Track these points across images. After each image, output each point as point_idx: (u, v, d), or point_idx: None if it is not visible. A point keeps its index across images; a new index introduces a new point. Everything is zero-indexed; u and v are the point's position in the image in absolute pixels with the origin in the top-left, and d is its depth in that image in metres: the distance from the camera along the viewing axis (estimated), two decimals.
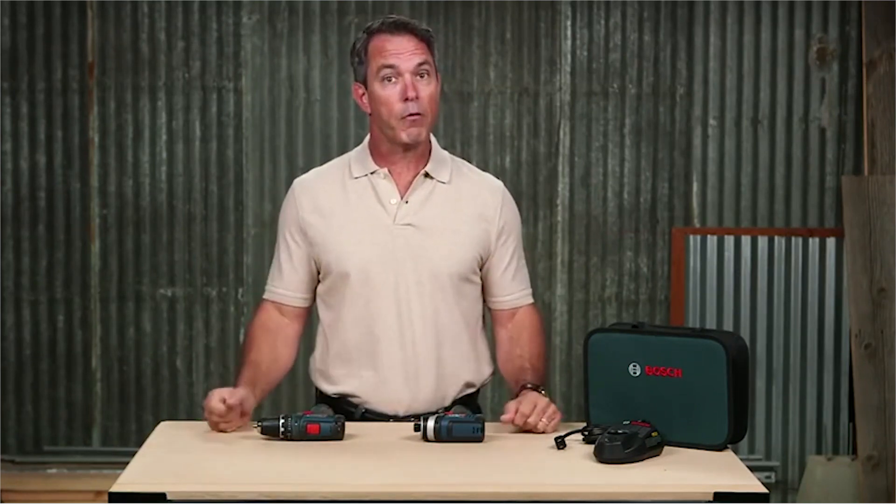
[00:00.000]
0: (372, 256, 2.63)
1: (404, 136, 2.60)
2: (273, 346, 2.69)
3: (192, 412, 4.70)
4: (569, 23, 4.70)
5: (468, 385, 2.72)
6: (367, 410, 2.66)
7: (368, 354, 2.65)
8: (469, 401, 2.73)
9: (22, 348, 4.74)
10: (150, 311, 4.74)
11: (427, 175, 2.67)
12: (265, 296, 2.75)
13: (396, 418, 2.65)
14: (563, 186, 4.73)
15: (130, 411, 4.76)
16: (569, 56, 4.71)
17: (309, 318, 2.76)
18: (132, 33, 4.68)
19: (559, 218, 4.73)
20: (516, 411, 2.50)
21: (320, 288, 2.71)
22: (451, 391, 2.69)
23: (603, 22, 4.70)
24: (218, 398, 2.50)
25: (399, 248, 2.63)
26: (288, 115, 4.71)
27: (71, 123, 4.70)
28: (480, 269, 2.71)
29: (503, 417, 2.52)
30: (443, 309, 2.65)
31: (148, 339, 4.74)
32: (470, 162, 4.78)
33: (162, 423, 2.65)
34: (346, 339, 2.66)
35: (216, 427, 2.51)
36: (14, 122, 4.69)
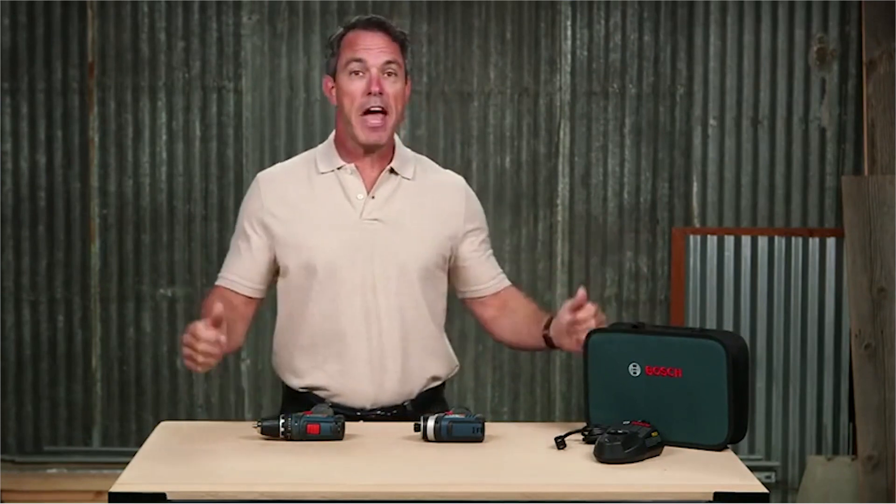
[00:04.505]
0: (339, 251, 2.65)
1: (362, 136, 2.64)
2: (231, 315, 2.57)
3: (192, 412, 4.71)
4: (569, 23, 4.70)
5: (434, 378, 2.74)
6: (333, 405, 2.65)
7: (334, 348, 2.67)
8: (436, 394, 2.75)
9: (22, 348, 4.74)
10: (150, 311, 4.74)
11: (392, 171, 2.70)
12: (218, 282, 2.73)
13: (364, 411, 2.67)
14: (563, 186, 4.73)
15: (130, 411, 4.76)
16: (569, 56, 4.71)
17: (258, 312, 2.75)
18: (132, 33, 4.68)
19: (559, 218, 4.73)
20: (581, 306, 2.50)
21: (282, 282, 2.72)
22: (417, 384, 2.71)
23: (603, 22, 4.70)
24: (202, 327, 2.39)
25: (366, 243, 2.65)
26: (288, 115, 4.71)
27: (71, 123, 4.70)
28: (448, 264, 2.75)
29: (580, 316, 2.49)
30: (409, 303, 2.68)
31: (148, 339, 4.74)
32: (470, 162, 4.80)
33: (162, 423, 2.65)
34: (312, 332, 2.68)
35: (204, 357, 2.39)
36: (14, 122, 4.69)
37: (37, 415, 4.75)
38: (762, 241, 4.72)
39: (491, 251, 2.83)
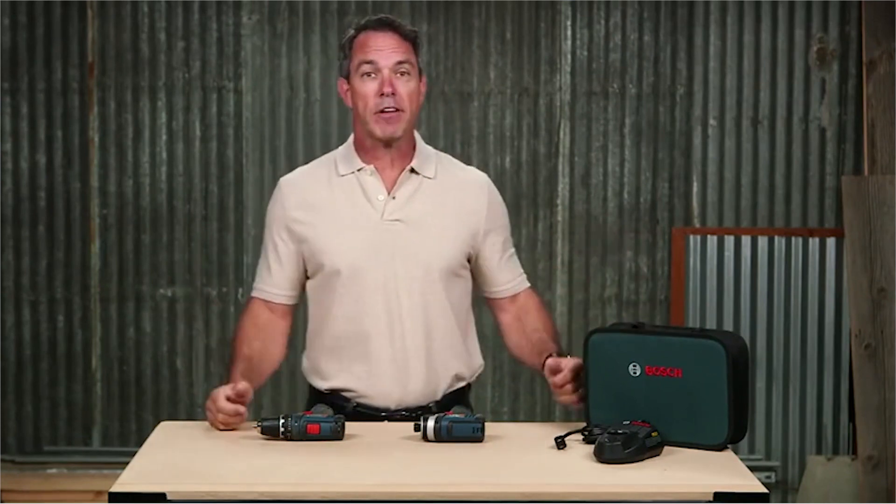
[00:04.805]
0: (361, 253, 2.65)
1: (378, 131, 2.64)
2: (264, 341, 2.73)
3: (192, 412, 4.70)
4: (569, 23, 4.70)
5: (458, 378, 2.74)
6: (358, 405, 2.68)
7: (359, 350, 2.68)
8: (461, 396, 2.75)
9: (22, 348, 4.74)
10: (150, 311, 4.74)
11: (413, 171, 2.70)
12: (253, 294, 2.78)
13: (388, 411, 2.67)
14: (563, 186, 4.73)
15: (130, 411, 4.75)
16: (569, 56, 4.71)
17: (297, 315, 2.79)
18: (132, 33, 4.68)
19: (559, 218, 4.73)
20: (559, 370, 2.53)
21: (309, 284, 2.74)
22: (442, 384, 2.71)
23: (603, 22, 4.70)
24: (224, 397, 2.51)
25: (387, 244, 2.66)
26: (288, 115, 4.71)
27: (71, 123, 4.70)
28: (470, 262, 2.75)
29: (548, 362, 2.56)
30: (432, 303, 2.68)
31: (148, 339, 4.74)
32: (470, 162, 4.78)
33: (162, 423, 2.66)
34: (337, 334, 2.69)
35: (224, 425, 2.52)
36: (14, 122, 4.69)
37: (37, 415, 4.75)
38: (762, 241, 4.72)
39: (512, 252, 2.82)
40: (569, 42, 4.70)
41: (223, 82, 4.71)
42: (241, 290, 4.73)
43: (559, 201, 4.73)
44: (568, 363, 2.54)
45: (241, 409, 2.51)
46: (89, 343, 4.74)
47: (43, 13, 4.66)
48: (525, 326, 2.78)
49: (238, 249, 4.73)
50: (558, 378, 2.53)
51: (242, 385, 2.52)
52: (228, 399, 2.51)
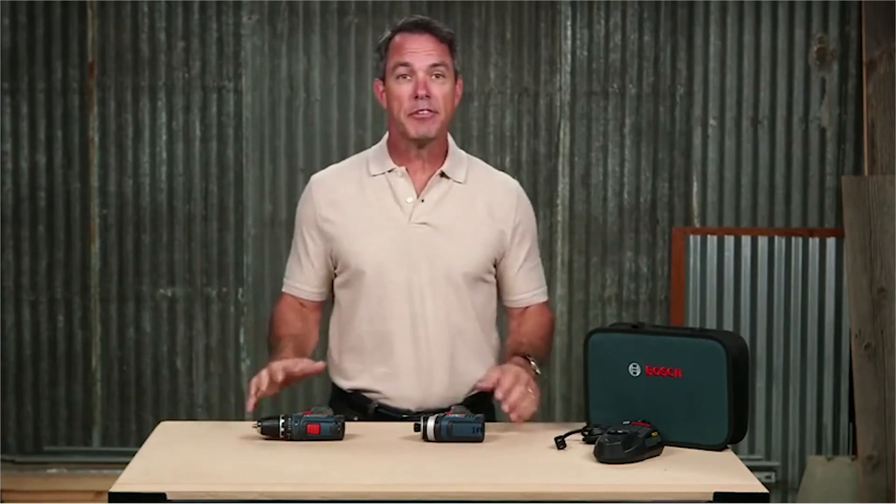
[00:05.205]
0: (387, 255, 2.66)
1: (412, 131, 2.64)
2: (304, 322, 2.76)
3: (192, 412, 4.71)
4: (569, 23, 4.70)
5: None
6: (380, 405, 2.70)
7: (382, 351, 2.69)
8: (483, 399, 2.74)
9: (22, 348, 4.74)
10: (150, 311, 4.74)
11: (443, 175, 2.71)
12: (284, 289, 2.81)
13: (410, 413, 2.67)
14: (563, 186, 4.73)
15: (130, 411, 4.76)
16: (569, 56, 4.71)
17: (326, 307, 2.82)
18: (132, 33, 4.68)
19: (559, 218, 4.73)
20: (497, 381, 2.50)
21: (336, 281, 2.76)
22: (464, 389, 2.71)
23: (603, 22, 4.70)
24: (273, 376, 2.50)
25: (414, 247, 2.66)
26: (288, 115, 4.71)
27: (71, 123, 4.70)
28: (495, 267, 2.75)
29: (479, 384, 2.55)
30: (456, 308, 2.68)
31: (148, 339, 4.74)
32: None
33: (162, 423, 2.65)
34: (360, 334, 2.71)
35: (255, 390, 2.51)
36: (14, 122, 4.69)
37: (37, 415, 4.75)
38: (762, 241, 4.72)
39: (535, 264, 2.81)
40: (569, 42, 4.70)
41: (223, 82, 4.71)
42: (241, 290, 4.73)
43: (559, 201, 4.73)
44: (504, 372, 2.51)
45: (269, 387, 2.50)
46: (89, 343, 4.74)
47: (43, 13, 4.66)
48: (516, 331, 2.78)
49: (238, 249, 4.73)
50: (498, 393, 2.49)
51: (305, 362, 2.54)
52: (288, 374, 2.51)
